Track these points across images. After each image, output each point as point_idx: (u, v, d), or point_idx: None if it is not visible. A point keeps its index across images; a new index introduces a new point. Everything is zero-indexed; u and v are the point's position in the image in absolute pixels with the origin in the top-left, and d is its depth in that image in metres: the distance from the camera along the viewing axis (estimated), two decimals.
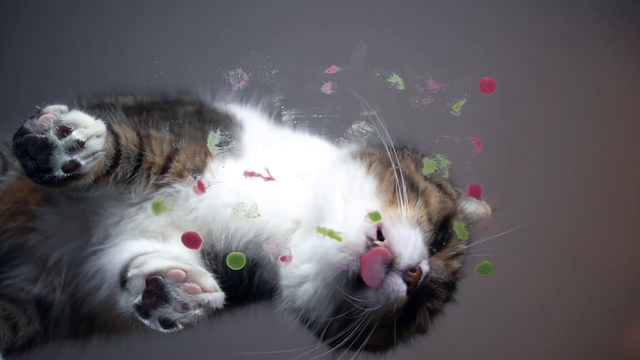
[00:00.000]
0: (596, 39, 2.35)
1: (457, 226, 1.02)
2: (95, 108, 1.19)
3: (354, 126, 1.12)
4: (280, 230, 1.11)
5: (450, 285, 1.11)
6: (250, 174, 1.08)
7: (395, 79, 1.07)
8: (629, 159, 2.41)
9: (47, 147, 0.94)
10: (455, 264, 1.11)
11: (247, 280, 1.15)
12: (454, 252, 1.10)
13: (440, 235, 1.08)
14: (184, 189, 1.12)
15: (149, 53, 2.06)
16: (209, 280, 0.98)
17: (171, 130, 1.14)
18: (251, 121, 1.25)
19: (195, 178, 1.05)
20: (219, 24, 2.21)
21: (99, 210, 1.14)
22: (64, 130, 0.94)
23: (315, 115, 1.21)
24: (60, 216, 1.18)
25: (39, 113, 0.95)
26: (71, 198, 1.16)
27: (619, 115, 2.41)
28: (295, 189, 1.12)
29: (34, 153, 0.94)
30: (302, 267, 1.07)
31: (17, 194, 1.19)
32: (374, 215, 1.04)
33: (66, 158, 0.94)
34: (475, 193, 1.04)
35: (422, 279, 1.02)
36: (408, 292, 1.01)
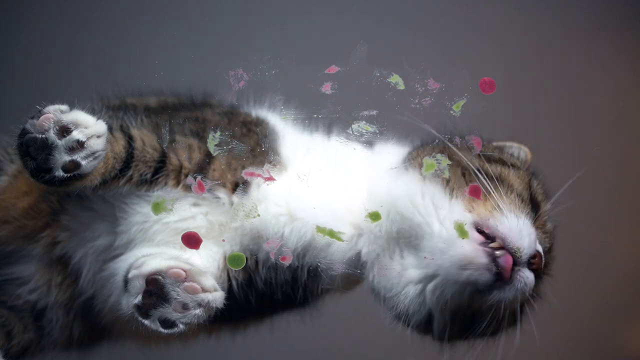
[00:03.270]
0: (597, 39, 2.35)
1: (457, 226, 1.02)
2: (116, 110, 1.17)
3: (354, 126, 1.11)
4: (340, 234, 1.09)
5: (551, 248, 1.13)
6: (250, 174, 1.08)
7: (395, 79, 1.07)
8: (629, 158, 2.41)
9: (47, 147, 0.93)
10: (549, 225, 1.12)
11: (302, 289, 1.14)
12: (545, 217, 1.11)
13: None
14: (226, 197, 1.10)
15: (149, 53, 2.06)
16: (208, 280, 0.98)
17: (201, 137, 1.11)
18: (287, 129, 1.22)
19: (195, 178, 1.05)
20: (219, 23, 2.21)
21: (123, 206, 1.11)
22: (64, 130, 0.94)
23: (315, 115, 1.21)
24: (91, 211, 1.15)
25: (40, 113, 0.95)
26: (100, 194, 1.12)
27: (619, 115, 2.41)
28: (344, 195, 1.11)
29: (35, 153, 0.94)
30: (405, 275, 1.06)
31: (2, 196, 1.16)
32: (374, 215, 1.04)
33: (66, 158, 0.94)
34: (475, 192, 1.03)
35: (543, 260, 1.03)
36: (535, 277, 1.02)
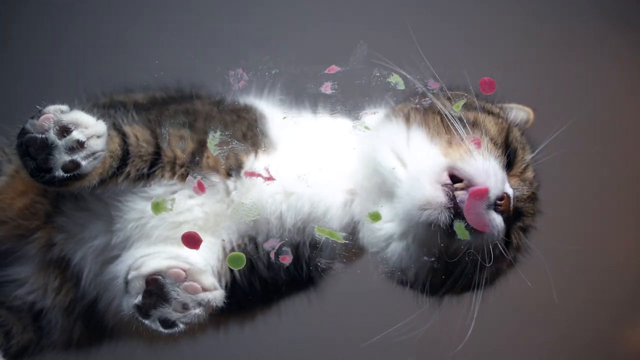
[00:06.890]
0: (597, 39, 2.36)
1: (457, 226, 1.02)
2: (106, 108, 1.17)
3: (354, 124, 1.12)
4: (335, 202, 1.11)
5: (532, 197, 1.12)
6: (251, 174, 1.08)
7: (395, 79, 1.07)
8: (630, 158, 2.41)
9: (47, 147, 0.93)
10: (529, 174, 1.12)
11: (306, 265, 1.14)
12: (524, 165, 1.12)
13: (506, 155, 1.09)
14: (219, 181, 1.11)
15: (149, 53, 2.06)
16: (208, 279, 0.98)
17: (193, 127, 1.12)
18: (273, 112, 1.22)
19: (195, 178, 1.05)
20: (219, 23, 2.21)
21: (117, 204, 1.11)
22: (64, 130, 0.94)
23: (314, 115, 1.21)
24: (86, 212, 1.14)
25: (40, 113, 0.95)
26: (94, 194, 1.11)
27: (619, 115, 2.41)
28: (334, 163, 1.13)
29: (34, 153, 0.94)
30: (385, 228, 1.07)
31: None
32: (374, 216, 1.05)
33: (66, 158, 0.94)
34: (478, 193, 1.03)
35: (512, 204, 1.02)
36: (504, 220, 1.01)
